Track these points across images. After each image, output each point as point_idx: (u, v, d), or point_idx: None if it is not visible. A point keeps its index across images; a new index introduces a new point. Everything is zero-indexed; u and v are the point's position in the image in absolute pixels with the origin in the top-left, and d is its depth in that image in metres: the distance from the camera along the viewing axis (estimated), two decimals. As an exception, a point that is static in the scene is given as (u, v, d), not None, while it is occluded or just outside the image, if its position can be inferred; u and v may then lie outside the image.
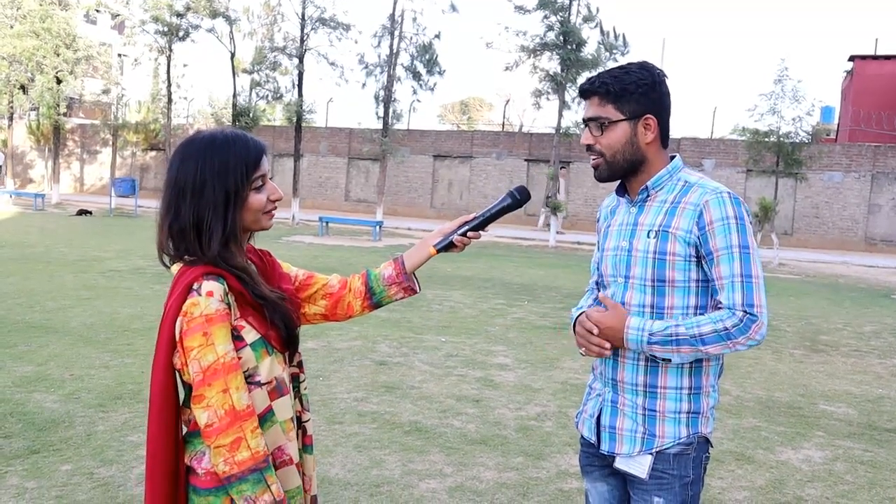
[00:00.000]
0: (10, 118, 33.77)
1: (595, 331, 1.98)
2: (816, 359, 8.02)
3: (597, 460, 2.12)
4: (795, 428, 5.48)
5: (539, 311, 10.07)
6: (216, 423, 1.59)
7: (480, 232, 1.95)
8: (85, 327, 7.47)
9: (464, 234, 1.94)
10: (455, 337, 8.02)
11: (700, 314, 1.96)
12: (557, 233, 23.36)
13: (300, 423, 1.84)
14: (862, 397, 6.51)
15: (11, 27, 29.97)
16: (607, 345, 1.98)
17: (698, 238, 1.92)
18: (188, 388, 1.68)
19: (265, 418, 1.69)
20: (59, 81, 30.15)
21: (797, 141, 21.53)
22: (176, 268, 1.73)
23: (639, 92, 1.97)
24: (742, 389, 6.46)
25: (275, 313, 1.74)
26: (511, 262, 17.21)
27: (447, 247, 1.95)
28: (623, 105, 1.97)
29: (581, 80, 24.37)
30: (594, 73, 2.08)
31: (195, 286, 1.63)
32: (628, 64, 2.02)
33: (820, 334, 9.55)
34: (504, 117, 38.86)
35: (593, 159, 2.05)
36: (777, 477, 4.49)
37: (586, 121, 2.04)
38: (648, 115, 1.99)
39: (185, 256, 1.71)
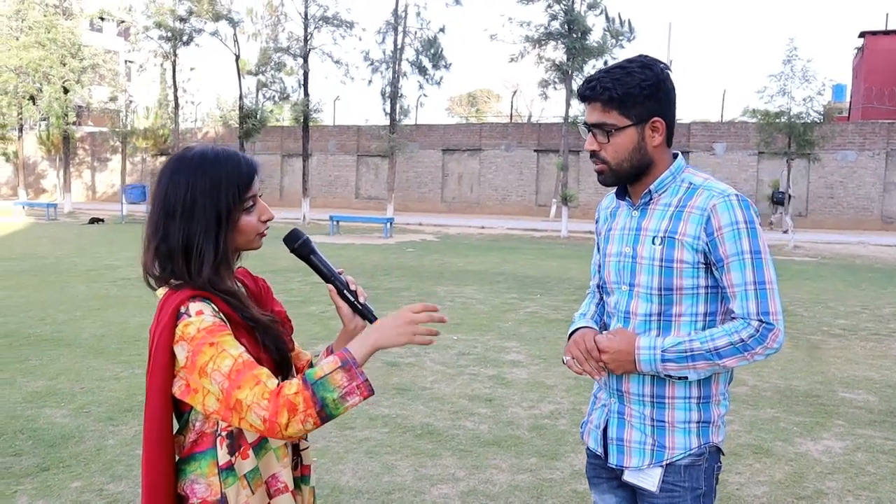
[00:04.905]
0: (21, 129, 34.04)
1: (598, 358, 1.90)
2: (834, 344, 7.90)
3: (604, 472, 2.05)
4: (814, 417, 5.39)
5: (552, 305, 9.99)
6: (268, 414, 1.48)
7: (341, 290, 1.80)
8: (95, 338, 7.47)
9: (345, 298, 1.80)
10: (467, 334, 7.96)
11: (710, 321, 1.88)
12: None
13: (297, 451, 1.77)
14: (882, 383, 6.39)
15: (17, 39, 30.17)
16: (604, 373, 1.92)
17: (707, 245, 1.82)
18: (187, 414, 1.63)
19: (259, 445, 1.63)
20: (66, 91, 30.36)
21: (809, 121, 21.29)
22: (161, 291, 1.66)
23: (643, 95, 1.83)
24: (759, 378, 6.36)
25: (266, 336, 1.68)
26: (523, 254, 17.13)
27: (357, 310, 1.81)
28: (628, 110, 1.84)
29: (588, 68, 24.40)
30: (592, 73, 1.92)
31: (182, 309, 1.58)
32: (628, 62, 1.88)
33: (837, 318, 9.41)
34: (512, 108, 38.79)
35: (597, 165, 1.92)
36: (796, 470, 4.40)
37: (589, 126, 1.90)
38: (656, 118, 1.86)
39: (172, 280, 1.65)
